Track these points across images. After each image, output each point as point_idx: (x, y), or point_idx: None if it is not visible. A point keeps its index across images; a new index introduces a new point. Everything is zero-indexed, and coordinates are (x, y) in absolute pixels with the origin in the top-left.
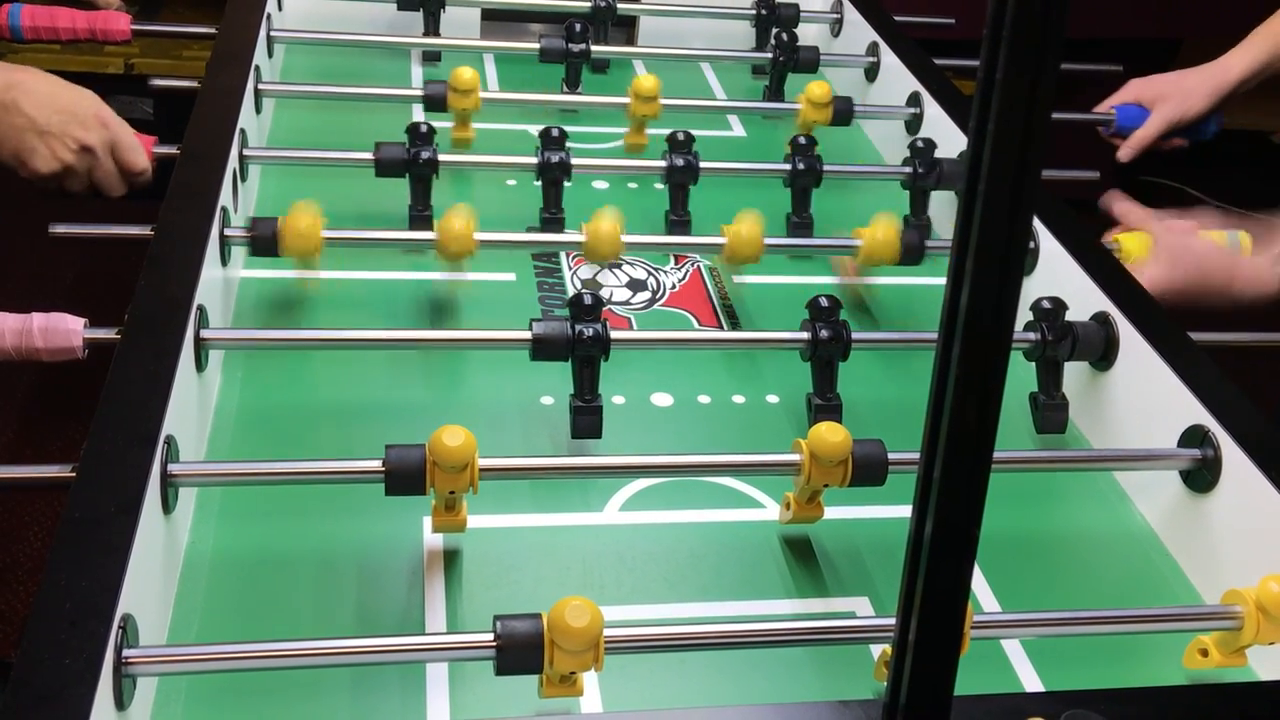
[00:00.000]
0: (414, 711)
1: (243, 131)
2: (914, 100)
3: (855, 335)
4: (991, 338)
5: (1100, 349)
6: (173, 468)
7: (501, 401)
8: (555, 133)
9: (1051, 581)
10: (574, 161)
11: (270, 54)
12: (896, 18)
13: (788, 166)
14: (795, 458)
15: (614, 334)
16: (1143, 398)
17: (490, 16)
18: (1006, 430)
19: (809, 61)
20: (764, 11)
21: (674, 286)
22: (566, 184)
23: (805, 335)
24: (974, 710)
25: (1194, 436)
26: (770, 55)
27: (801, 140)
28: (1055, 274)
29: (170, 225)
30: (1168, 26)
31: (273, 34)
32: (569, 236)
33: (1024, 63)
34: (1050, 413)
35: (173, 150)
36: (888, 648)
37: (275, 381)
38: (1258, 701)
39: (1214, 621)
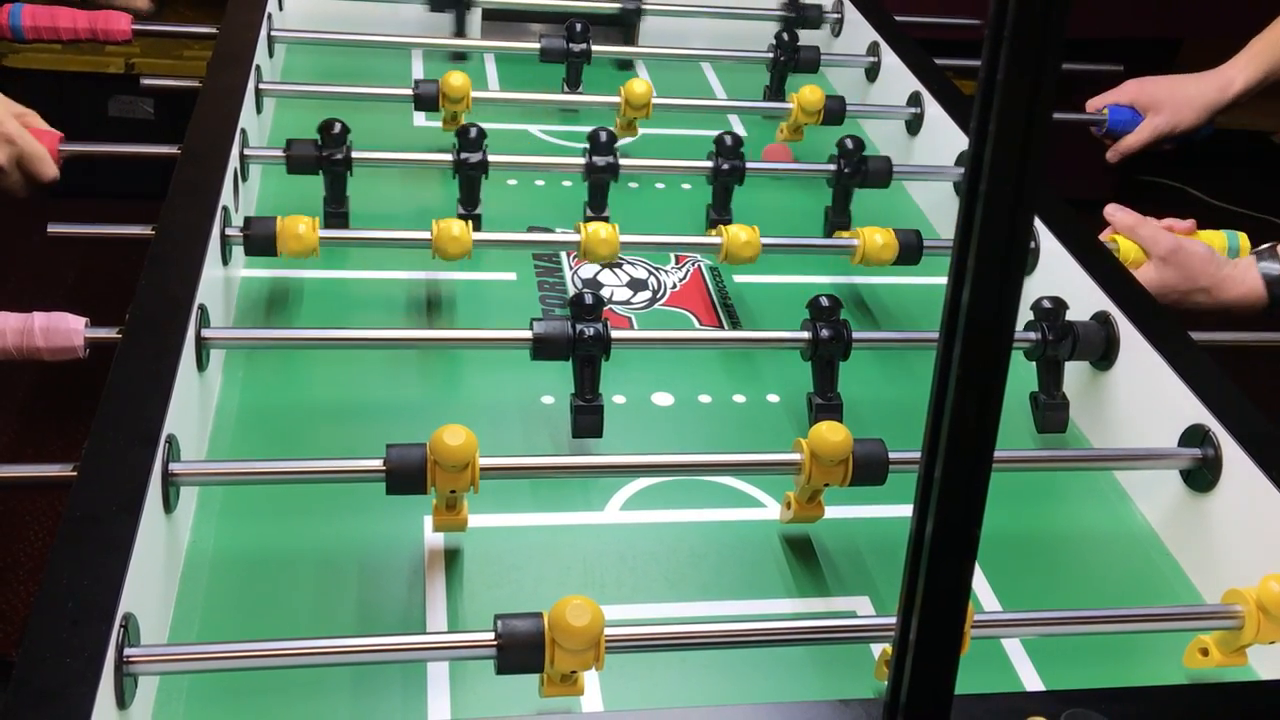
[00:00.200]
0: (415, 710)
1: (243, 131)
2: (915, 100)
3: (856, 335)
4: (992, 337)
5: (1101, 348)
6: (174, 467)
7: (502, 401)
8: (604, 136)
9: (1052, 581)
10: (622, 162)
11: (271, 54)
12: (901, 18)
13: (832, 167)
14: (796, 457)
15: (615, 333)
16: (1143, 397)
17: (491, 16)
18: (1007, 430)
19: (809, 61)
20: (793, 14)
21: (675, 286)
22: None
23: (806, 335)
24: (975, 709)
25: (1194, 436)
26: (771, 55)
27: (849, 143)
28: (1056, 274)
29: (171, 225)
30: (1168, 26)
31: (273, 34)
32: (569, 236)
33: (1025, 63)
34: (1051, 412)
35: (81, 148)
36: (888, 647)
37: (276, 381)
38: (1258, 700)
39: (1214, 621)
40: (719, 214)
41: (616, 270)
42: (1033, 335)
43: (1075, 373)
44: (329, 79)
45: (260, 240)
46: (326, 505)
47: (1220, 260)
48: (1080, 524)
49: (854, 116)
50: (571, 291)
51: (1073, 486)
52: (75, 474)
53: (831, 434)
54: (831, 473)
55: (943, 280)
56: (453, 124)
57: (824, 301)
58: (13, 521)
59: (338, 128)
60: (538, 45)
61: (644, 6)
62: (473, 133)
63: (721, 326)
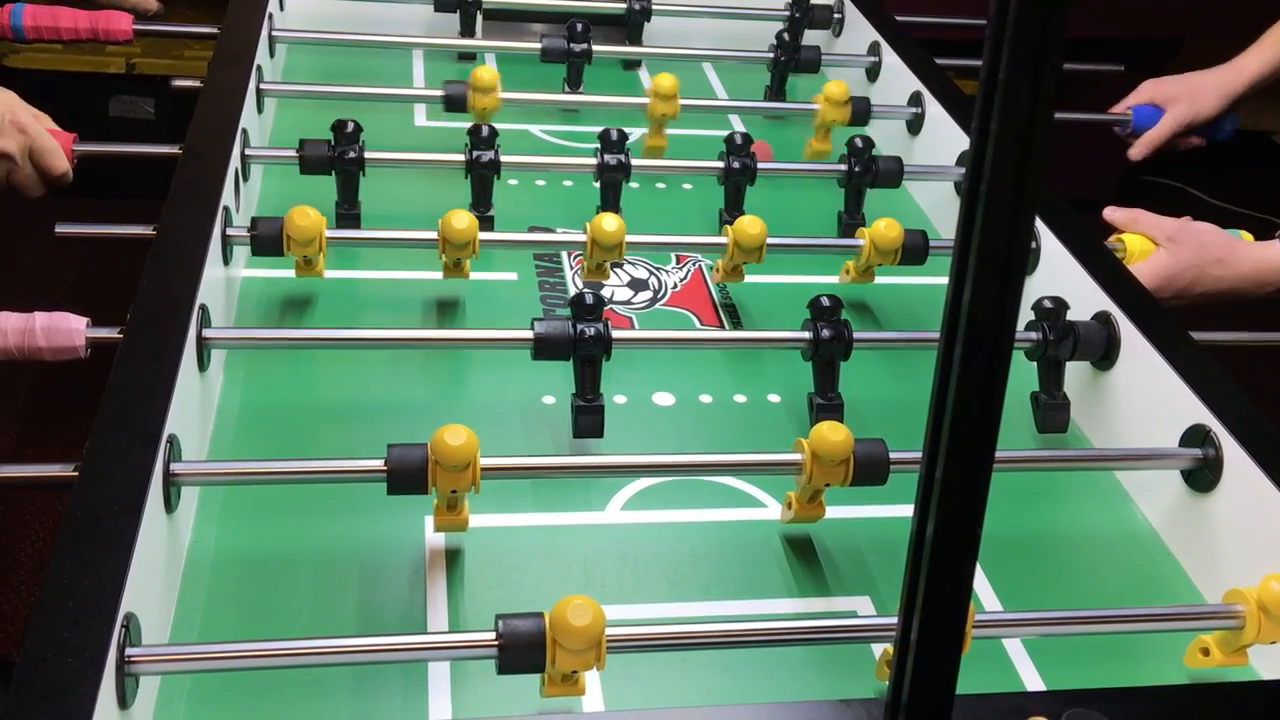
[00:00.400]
0: (416, 710)
1: (244, 131)
2: (915, 100)
3: (857, 335)
4: (993, 337)
5: (1101, 348)
6: (175, 467)
7: (503, 401)
8: (615, 135)
9: (1053, 581)
10: (634, 162)
11: (272, 54)
12: (908, 19)
13: (843, 167)
14: (797, 457)
15: (615, 333)
16: (1144, 397)
17: (492, 16)
18: (1008, 430)
19: (810, 61)
20: (797, 14)
21: (675, 286)
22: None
23: (807, 335)
24: (976, 709)
25: (1195, 436)
26: (771, 55)
27: (858, 142)
28: (1057, 273)
29: (173, 225)
30: (1168, 26)
31: (274, 34)
32: (571, 236)
33: (1026, 62)
34: (1052, 412)
35: (94, 148)
36: (889, 647)
37: (277, 381)
38: (1259, 700)
39: (1215, 621)
40: (731, 214)
41: (617, 270)
42: (1033, 335)
43: (1076, 373)
44: (330, 79)
45: (266, 240)
46: (327, 505)
47: (1229, 234)
48: (1081, 524)
49: (870, 115)
50: (572, 291)
51: (1073, 486)
52: (76, 474)
53: (832, 434)
54: (832, 473)
55: (944, 280)
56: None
57: (825, 301)
58: (14, 521)
59: (350, 126)
60: (539, 45)
61: (652, 7)
62: (484, 131)
63: (722, 326)
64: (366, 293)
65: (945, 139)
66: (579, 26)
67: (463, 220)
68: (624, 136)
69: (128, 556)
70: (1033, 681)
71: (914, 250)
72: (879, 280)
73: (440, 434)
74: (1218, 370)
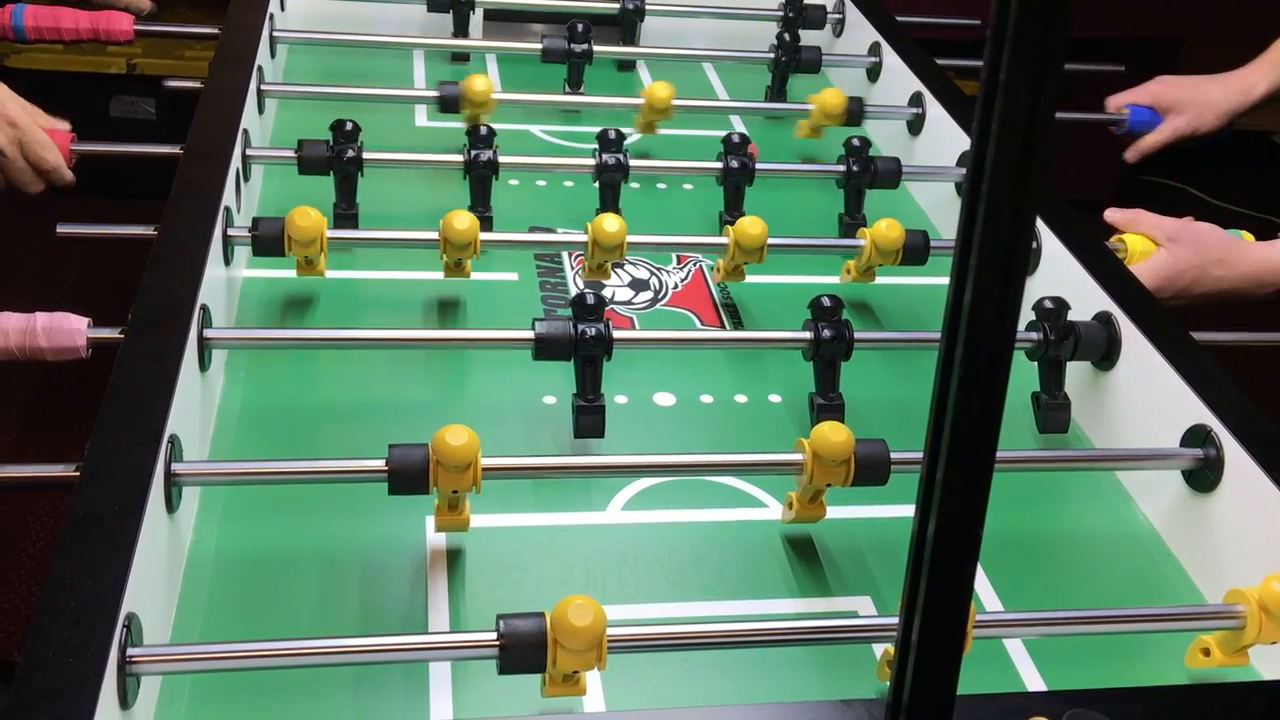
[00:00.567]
0: (417, 710)
1: (245, 132)
2: (916, 100)
3: (858, 335)
4: (994, 337)
5: (1102, 349)
6: (176, 467)
7: (504, 401)
8: (613, 134)
9: (1054, 581)
10: (633, 163)
11: (273, 54)
12: (906, 19)
13: (841, 168)
14: (798, 457)
15: (616, 333)
16: (1145, 397)
17: (492, 17)
18: (1009, 430)
19: (811, 62)
20: (791, 14)
21: (676, 286)
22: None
23: (808, 335)
24: (977, 709)
25: (1196, 436)
26: (772, 56)
27: (855, 142)
28: (1057, 274)
29: (174, 225)
30: (1168, 26)
31: (275, 34)
32: (572, 237)
33: (1027, 63)
34: (1052, 412)
35: (94, 148)
36: (890, 647)
37: (278, 381)
38: (1260, 701)
39: (1216, 621)
40: (731, 214)
41: (618, 270)
42: (1034, 335)
43: (1077, 373)
44: (331, 79)
45: (267, 240)
46: (329, 505)
47: (1229, 233)
48: (1082, 524)
49: (864, 117)
50: (573, 292)
51: (1074, 487)
52: (78, 474)
53: (833, 434)
54: (833, 473)
55: (944, 280)
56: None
57: (826, 301)
58: (15, 522)
59: (350, 126)
60: (539, 46)
61: (645, 7)
62: (483, 130)
63: (723, 327)
64: (367, 293)
65: (946, 139)
66: (579, 27)
67: (464, 220)
68: (621, 136)
69: (129, 557)
70: (1034, 682)
71: (915, 250)
72: (880, 280)
73: (441, 434)
74: (1218, 370)
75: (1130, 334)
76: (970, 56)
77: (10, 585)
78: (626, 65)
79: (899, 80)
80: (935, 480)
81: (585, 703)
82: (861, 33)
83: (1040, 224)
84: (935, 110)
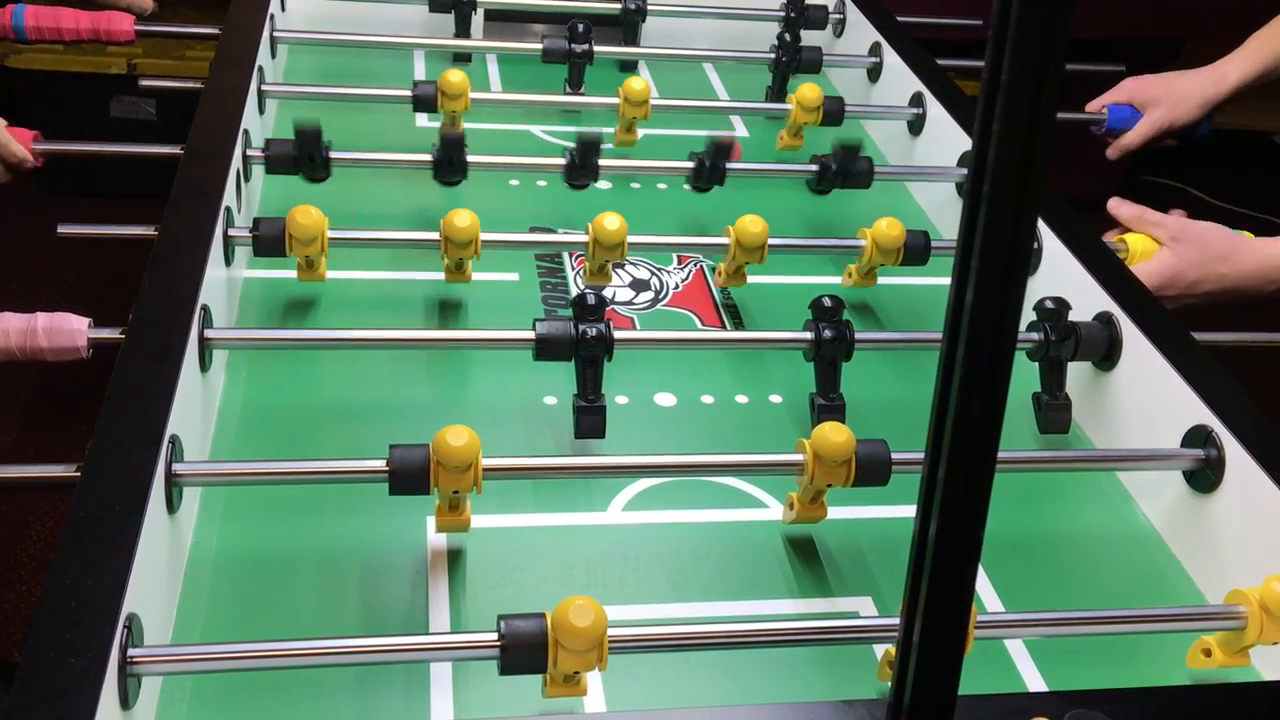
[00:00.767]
0: (418, 711)
1: (246, 132)
2: (917, 100)
3: (859, 335)
4: (996, 338)
5: (1103, 349)
6: (177, 467)
7: (505, 401)
8: (591, 300)
9: (1055, 581)
10: (602, 163)
11: (273, 54)
12: (906, 19)
13: (814, 168)
14: (799, 458)
15: (617, 334)
16: (1146, 398)
17: (493, 17)
18: (1010, 430)
19: (811, 62)
20: (792, 14)
21: (677, 286)
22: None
23: (809, 335)
24: (978, 710)
25: (1197, 436)
26: (773, 56)
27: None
28: (1058, 274)
29: (174, 225)
30: (1168, 26)
31: (276, 34)
32: (573, 237)
33: (1029, 63)
34: (1053, 413)
35: (55, 147)
36: (891, 648)
37: (279, 381)
38: (1261, 701)
39: (1217, 621)
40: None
41: (619, 270)
42: (1035, 336)
43: (1078, 373)
44: (331, 80)
45: (268, 240)
46: (329, 506)
47: (1233, 231)
48: (1083, 524)
49: (856, 117)
50: (574, 292)
51: (1075, 487)
52: (78, 474)
53: (834, 434)
54: (834, 473)
55: (945, 281)
56: (451, 126)
57: (826, 302)
58: (16, 522)
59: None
60: (540, 46)
61: (647, 7)
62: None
63: (724, 327)
64: (368, 293)
65: (947, 140)
66: (580, 27)
67: (464, 219)
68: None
69: (130, 557)
70: (1035, 682)
71: (916, 250)
72: (881, 280)
73: (442, 434)
74: (1220, 371)
75: (1131, 334)
76: (971, 56)
77: (10, 585)
78: (628, 65)
79: (900, 80)
80: (936, 481)
81: (586, 703)
82: (862, 33)
83: (1041, 224)
84: (936, 110)
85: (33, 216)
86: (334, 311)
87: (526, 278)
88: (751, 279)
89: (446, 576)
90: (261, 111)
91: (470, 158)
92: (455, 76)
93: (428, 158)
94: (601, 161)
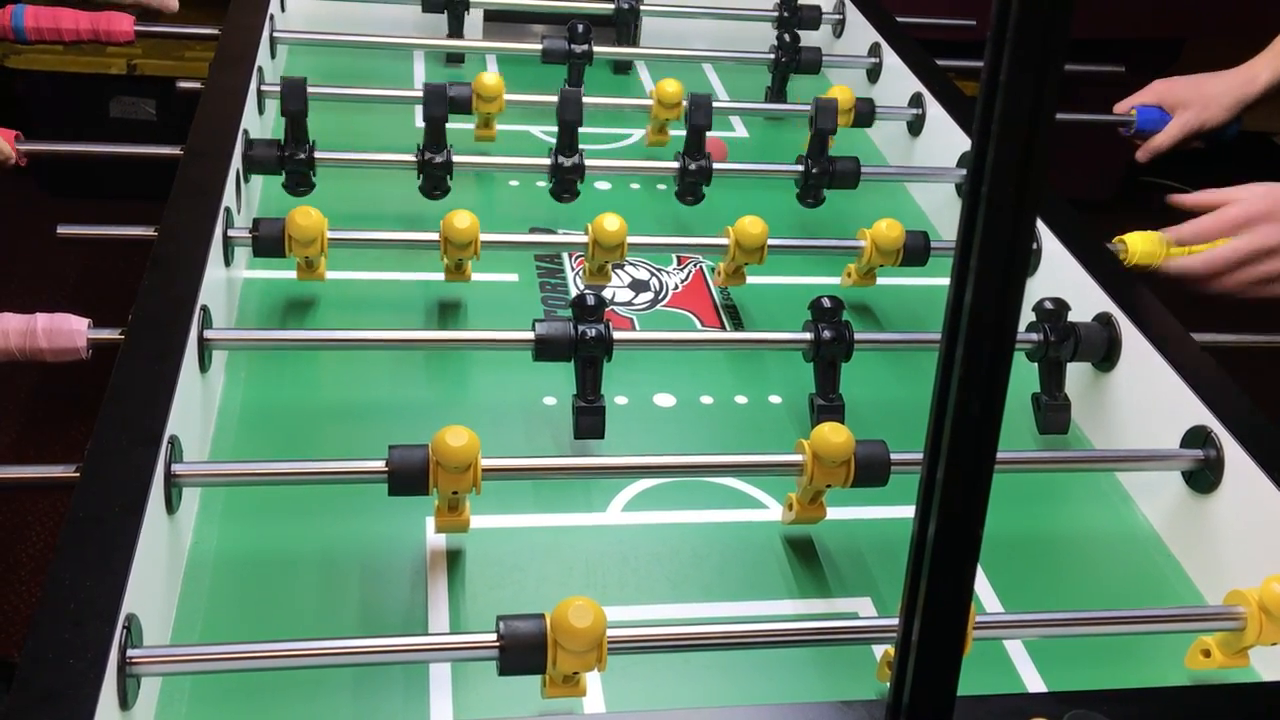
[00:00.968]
0: (417, 711)
1: (246, 132)
2: (916, 101)
3: (858, 335)
4: (995, 338)
5: (1103, 350)
6: (176, 468)
7: (504, 402)
8: (591, 300)
9: (1054, 582)
10: (588, 163)
11: (273, 55)
12: (902, 19)
13: (800, 168)
14: (798, 458)
15: (617, 335)
16: (1145, 398)
17: (493, 17)
18: (1009, 431)
19: (811, 62)
20: (786, 14)
21: (676, 287)
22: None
23: (808, 336)
24: (977, 710)
25: (1196, 437)
26: (772, 56)
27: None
28: (1058, 275)
29: (174, 226)
30: (1169, 26)
31: (276, 35)
32: (573, 238)
33: (1028, 63)
34: (1052, 413)
35: (37, 147)
36: (890, 648)
37: (279, 382)
38: (1260, 702)
39: (1216, 622)
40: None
41: (619, 271)
42: (1034, 336)
43: (1077, 374)
44: (331, 80)
45: (268, 241)
46: (329, 506)
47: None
48: (1082, 525)
49: (875, 118)
50: (574, 293)
51: (1074, 488)
52: (78, 475)
53: (834, 435)
54: (833, 474)
55: (945, 281)
56: (485, 129)
57: (826, 302)
58: (15, 523)
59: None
60: (539, 46)
61: (640, 7)
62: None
63: (723, 328)
64: (368, 294)
65: (946, 140)
66: (580, 28)
67: (464, 220)
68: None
69: (129, 558)
70: (1034, 683)
71: (915, 251)
72: (880, 281)
73: (441, 435)
74: (1219, 371)
75: (1130, 335)
76: (970, 57)
77: (10, 585)
78: (624, 66)
79: (899, 81)
80: (935, 481)
81: (585, 704)
82: (861, 33)
83: (1040, 225)
84: (935, 111)
85: (33, 216)
86: (334, 312)
87: (526, 278)
88: (751, 279)
89: (446, 577)
90: (261, 112)
91: (470, 159)
92: (490, 79)
93: (397, 157)
94: (601, 162)
